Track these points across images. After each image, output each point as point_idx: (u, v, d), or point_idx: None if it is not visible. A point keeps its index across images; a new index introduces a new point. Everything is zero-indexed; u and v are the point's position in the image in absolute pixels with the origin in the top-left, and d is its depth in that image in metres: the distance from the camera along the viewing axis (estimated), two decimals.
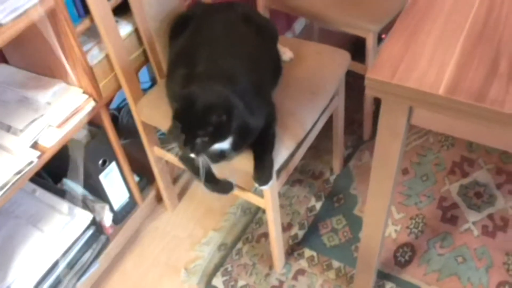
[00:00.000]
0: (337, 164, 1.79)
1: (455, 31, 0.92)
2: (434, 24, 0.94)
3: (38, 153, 1.22)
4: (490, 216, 1.60)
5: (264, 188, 1.25)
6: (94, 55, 1.32)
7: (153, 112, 1.39)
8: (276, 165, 1.23)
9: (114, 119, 1.78)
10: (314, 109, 1.33)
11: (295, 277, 1.54)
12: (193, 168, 1.23)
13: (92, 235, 1.46)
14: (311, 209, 1.71)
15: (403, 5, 1.63)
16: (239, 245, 1.64)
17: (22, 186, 1.21)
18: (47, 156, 1.24)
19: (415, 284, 1.47)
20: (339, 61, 1.44)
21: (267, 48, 1.37)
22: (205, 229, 1.70)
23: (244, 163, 1.22)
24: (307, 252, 1.59)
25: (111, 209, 1.55)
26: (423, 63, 0.87)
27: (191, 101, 1.06)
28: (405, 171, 1.76)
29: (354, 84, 1.50)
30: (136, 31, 1.40)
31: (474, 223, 1.59)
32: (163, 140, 1.62)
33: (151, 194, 1.72)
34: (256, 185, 1.22)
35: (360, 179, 1.78)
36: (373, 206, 1.15)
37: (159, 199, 1.76)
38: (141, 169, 1.69)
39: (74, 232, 1.41)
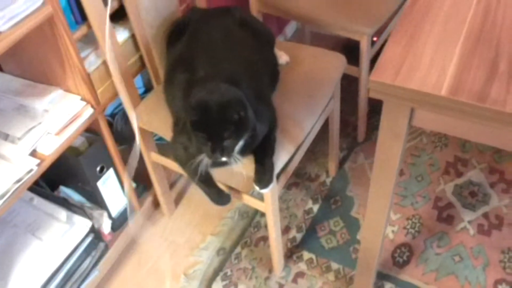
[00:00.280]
0: (332, 167, 1.81)
1: (454, 33, 0.94)
2: (433, 26, 0.96)
3: (37, 161, 1.21)
4: (485, 215, 1.63)
5: (265, 191, 1.25)
6: (92, 62, 1.32)
7: (151, 118, 1.39)
8: (277, 169, 1.24)
9: (109, 126, 1.77)
10: (312, 112, 1.34)
11: (294, 280, 1.54)
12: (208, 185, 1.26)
13: (91, 242, 1.45)
14: (308, 211, 1.72)
15: (395, 7, 1.66)
16: (238, 249, 1.64)
17: (21, 195, 1.20)
18: (46, 164, 1.23)
19: (413, 284, 1.49)
20: (335, 64, 1.45)
21: (265, 52, 1.38)
22: (203, 234, 1.70)
23: (244, 166, 1.23)
24: (306, 255, 1.60)
25: (109, 215, 1.54)
26: (424, 65, 0.88)
27: (206, 108, 1.05)
28: (400, 172, 1.78)
29: (347, 86, 1.52)
30: (133, 37, 1.40)
31: (469, 222, 1.62)
32: (160, 147, 1.63)
33: (148, 200, 1.72)
34: (257, 188, 1.23)
35: (355, 181, 1.79)
36: (374, 207, 1.16)
37: (156, 204, 1.76)
38: (138, 175, 1.68)
39: (73, 240, 1.41)
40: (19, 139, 1.23)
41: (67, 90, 1.33)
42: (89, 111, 1.33)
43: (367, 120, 1.91)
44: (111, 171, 1.50)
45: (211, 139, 1.05)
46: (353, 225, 1.66)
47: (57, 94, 1.32)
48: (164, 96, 1.34)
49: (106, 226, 1.53)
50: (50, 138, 1.26)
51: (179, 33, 1.38)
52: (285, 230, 1.67)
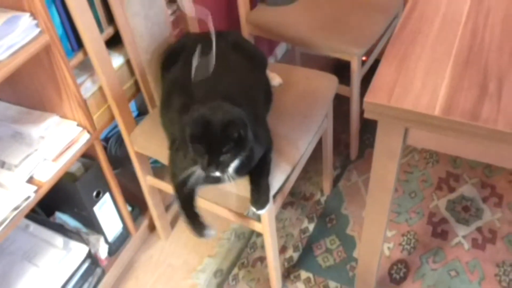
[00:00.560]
0: (327, 185, 1.82)
1: (443, 55, 0.97)
2: (423, 49, 0.99)
3: (34, 187, 1.21)
4: (479, 229, 1.65)
5: (261, 212, 1.26)
6: (88, 88, 1.33)
7: (147, 142, 1.40)
8: (273, 190, 1.25)
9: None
10: (307, 132, 1.36)
11: None
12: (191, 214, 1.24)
13: (88, 268, 1.45)
14: (304, 230, 1.73)
15: (384, 28, 1.70)
16: (235, 270, 1.64)
17: (19, 222, 1.20)
18: (43, 191, 1.23)
19: None
20: (327, 85, 1.48)
21: (258, 74, 1.41)
22: (200, 256, 1.70)
23: (240, 188, 1.24)
24: (303, 274, 1.60)
25: (106, 240, 1.54)
26: (417, 86, 0.91)
27: (208, 122, 1.06)
28: None
29: (338, 105, 1.54)
30: (128, 62, 1.42)
31: (464, 236, 1.64)
32: (156, 170, 1.63)
33: (144, 223, 1.72)
34: (254, 209, 1.24)
35: (350, 199, 1.81)
36: (370, 225, 1.18)
37: (151, 228, 1.76)
38: (133, 199, 1.69)
39: (70, 266, 1.40)
40: (16, 166, 1.23)
41: (63, 116, 1.34)
42: (86, 136, 1.34)
43: (359, 138, 1.94)
44: (107, 195, 1.50)
45: (208, 152, 1.06)
46: (349, 243, 1.67)
47: (53, 120, 1.32)
48: (161, 120, 1.36)
49: (103, 251, 1.52)
50: (47, 165, 1.26)
51: (173, 58, 1.40)
52: (282, 249, 1.68)
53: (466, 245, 1.61)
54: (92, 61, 1.27)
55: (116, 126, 1.80)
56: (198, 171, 1.12)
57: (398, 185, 1.82)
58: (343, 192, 1.84)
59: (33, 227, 1.46)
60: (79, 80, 1.30)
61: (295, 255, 1.66)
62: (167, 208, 1.82)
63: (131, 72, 1.44)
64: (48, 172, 1.25)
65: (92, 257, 1.46)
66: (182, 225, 1.80)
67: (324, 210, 1.78)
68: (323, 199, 1.82)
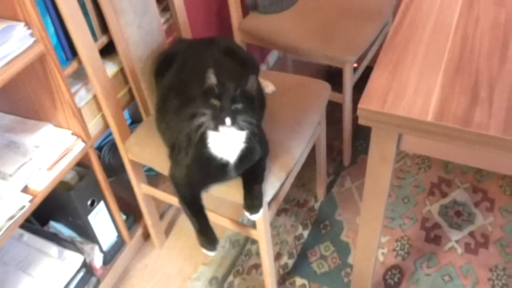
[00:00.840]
0: (320, 192, 1.83)
1: (435, 62, 0.98)
2: (415, 56, 1.00)
3: (29, 197, 1.21)
4: (471, 234, 1.67)
5: (255, 217, 1.26)
6: (82, 97, 1.33)
7: (142, 150, 1.40)
8: (268, 197, 1.26)
9: None
10: (301, 139, 1.37)
11: None
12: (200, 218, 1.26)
13: (83, 277, 1.44)
14: (298, 237, 1.73)
15: (375, 35, 1.72)
16: (230, 278, 1.64)
17: (14, 232, 1.19)
18: (38, 200, 1.23)
19: None
20: (320, 92, 1.49)
21: None
22: (194, 264, 1.70)
23: (233, 193, 1.25)
24: (298, 281, 1.61)
25: (101, 249, 1.53)
26: (409, 93, 0.92)
27: (223, 80, 1.10)
28: None
29: (330, 111, 1.56)
30: (121, 70, 1.43)
31: (457, 241, 1.65)
32: (150, 178, 1.64)
33: (139, 231, 1.72)
34: (247, 214, 1.24)
35: (344, 205, 1.82)
36: (365, 231, 1.19)
37: (146, 236, 1.75)
38: (127, 207, 1.69)
39: (65, 276, 1.39)
40: (10, 175, 1.23)
41: (58, 125, 1.34)
42: (80, 145, 1.34)
43: (351, 144, 1.95)
44: (101, 204, 1.50)
45: (221, 99, 1.08)
46: (343, 249, 1.67)
47: (47, 129, 1.32)
48: (157, 125, 1.37)
49: (97, 260, 1.52)
50: (42, 174, 1.26)
51: (167, 64, 1.41)
52: (277, 256, 1.68)
53: (459, 250, 1.63)
54: (87, 70, 1.28)
55: (109, 135, 1.80)
56: (207, 122, 1.11)
57: (391, 190, 1.83)
58: (337, 198, 1.85)
59: (27, 236, 1.45)
60: (73, 89, 1.31)
61: (290, 262, 1.66)
62: (162, 216, 1.82)
63: (125, 80, 1.45)
64: (42, 181, 1.25)
65: (87, 266, 1.45)
66: (177, 233, 1.80)
67: (318, 217, 1.79)
68: (317, 206, 1.83)
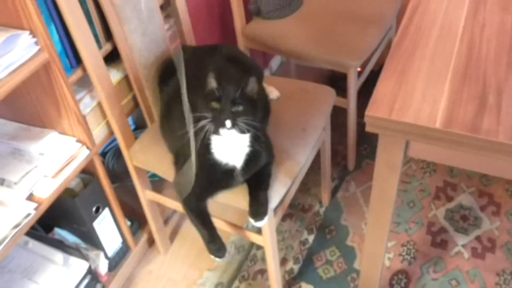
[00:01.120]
0: (325, 196, 1.83)
1: (442, 68, 0.98)
2: (421, 63, 1.00)
3: (34, 205, 1.21)
4: (478, 238, 1.66)
5: (260, 224, 1.26)
6: (87, 104, 1.33)
7: (147, 157, 1.40)
8: (274, 203, 1.25)
9: None
10: (306, 145, 1.36)
11: None
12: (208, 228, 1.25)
13: (88, 284, 1.44)
14: (304, 242, 1.73)
15: (379, 40, 1.71)
16: (236, 283, 1.64)
17: (19, 240, 1.19)
18: (43, 207, 1.23)
19: None
20: (325, 97, 1.49)
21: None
22: (200, 269, 1.70)
23: (238, 200, 1.24)
24: (304, 286, 1.60)
25: (106, 256, 1.53)
26: (417, 100, 0.92)
27: (219, 77, 1.11)
28: None
29: (333, 116, 1.56)
30: (126, 77, 1.42)
31: (463, 246, 1.64)
32: (154, 184, 1.63)
33: (143, 238, 1.71)
34: (252, 221, 1.24)
35: (349, 209, 1.81)
36: (372, 237, 1.18)
37: (151, 242, 1.75)
38: (131, 213, 1.68)
39: (71, 283, 1.39)
40: (15, 183, 1.23)
41: (62, 132, 1.34)
42: (85, 152, 1.33)
43: (356, 149, 1.94)
44: (106, 210, 1.49)
45: (221, 101, 1.08)
46: (349, 254, 1.67)
47: (52, 136, 1.32)
48: (161, 132, 1.36)
49: (103, 267, 1.51)
50: (47, 181, 1.26)
51: (171, 71, 1.40)
52: (282, 262, 1.67)
53: (466, 254, 1.62)
54: (91, 77, 1.28)
55: (113, 141, 1.80)
56: (207, 126, 1.10)
57: (397, 195, 1.82)
58: (342, 203, 1.84)
59: (32, 243, 1.45)
60: (78, 96, 1.31)
61: (296, 267, 1.66)
62: (166, 221, 1.82)
63: (129, 87, 1.45)
64: (48, 188, 1.25)
65: (92, 273, 1.45)
66: (181, 239, 1.80)
67: (323, 222, 1.78)
68: (322, 211, 1.82)
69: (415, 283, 1.56)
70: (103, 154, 1.87)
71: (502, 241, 1.64)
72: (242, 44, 1.87)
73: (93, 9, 1.26)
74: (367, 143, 2.04)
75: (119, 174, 1.79)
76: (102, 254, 1.51)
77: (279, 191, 1.26)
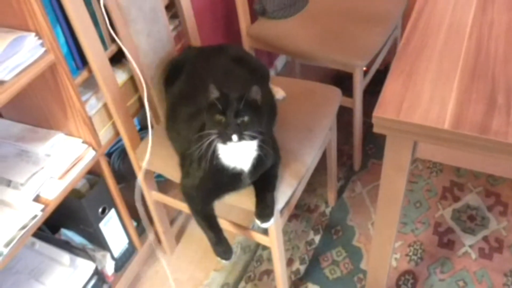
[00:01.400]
0: (331, 197, 1.82)
1: (450, 68, 0.97)
2: (429, 63, 0.99)
3: (41, 206, 1.21)
4: (485, 239, 1.65)
5: (266, 225, 1.26)
6: (92, 105, 1.33)
7: (153, 158, 1.40)
8: (281, 204, 1.25)
9: None
10: (312, 145, 1.36)
11: None
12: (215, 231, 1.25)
13: (95, 285, 1.44)
14: (310, 242, 1.72)
15: (385, 39, 1.70)
16: (242, 284, 1.63)
17: (26, 241, 1.19)
18: (50, 209, 1.23)
19: None
20: (331, 97, 1.48)
21: (262, 88, 1.41)
22: (206, 270, 1.69)
23: (244, 201, 1.24)
24: (311, 287, 1.60)
25: (112, 256, 1.53)
26: (425, 101, 0.91)
27: (227, 91, 1.09)
28: None
29: (339, 116, 1.55)
30: (131, 78, 1.42)
31: (470, 246, 1.63)
32: (160, 184, 1.63)
33: (149, 238, 1.71)
34: (258, 222, 1.23)
35: (355, 210, 1.81)
36: (380, 238, 1.18)
37: (157, 243, 1.75)
38: (137, 214, 1.68)
39: (77, 284, 1.39)
40: (22, 185, 1.23)
41: (69, 133, 1.34)
42: (91, 153, 1.33)
43: (361, 149, 1.94)
44: (112, 211, 1.49)
45: (226, 115, 1.06)
46: (355, 254, 1.66)
47: (58, 138, 1.32)
48: (167, 133, 1.36)
49: (109, 267, 1.51)
50: (53, 183, 1.26)
51: (176, 72, 1.40)
52: (288, 262, 1.67)
53: (473, 255, 1.61)
54: (97, 79, 1.28)
55: (118, 141, 1.80)
56: (215, 139, 1.10)
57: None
58: (348, 203, 1.83)
59: (39, 244, 1.45)
60: (84, 98, 1.31)
61: (302, 268, 1.65)
62: (172, 222, 1.82)
63: (135, 88, 1.45)
64: (54, 190, 1.25)
65: (99, 274, 1.45)
66: (187, 239, 1.80)
67: (329, 222, 1.78)
68: (328, 211, 1.82)
69: (422, 283, 1.56)
70: (109, 155, 1.87)
71: (510, 241, 1.63)
72: (247, 44, 1.86)
73: (99, 10, 1.25)
74: (373, 143, 2.03)
75: (124, 174, 1.79)
76: (108, 254, 1.51)
77: (285, 192, 1.25)
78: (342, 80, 1.79)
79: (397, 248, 1.66)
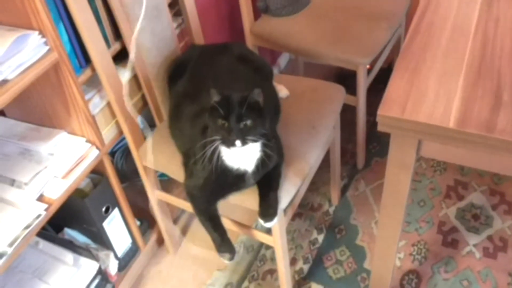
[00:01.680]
0: (335, 195, 1.82)
1: (455, 66, 0.96)
2: (434, 61, 0.98)
3: (45, 205, 1.21)
4: (490, 238, 1.64)
5: (269, 225, 1.25)
6: (96, 104, 1.33)
7: (156, 157, 1.39)
8: (284, 203, 1.24)
9: None
10: (316, 144, 1.35)
11: None
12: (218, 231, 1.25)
13: (98, 284, 1.44)
14: (313, 242, 1.72)
15: (389, 37, 1.70)
16: (245, 283, 1.63)
17: (30, 240, 1.19)
18: (54, 208, 1.23)
19: None
20: (335, 95, 1.48)
21: (265, 86, 1.40)
22: (209, 269, 1.69)
23: (248, 200, 1.24)
24: (314, 286, 1.59)
25: (115, 256, 1.53)
26: (430, 99, 0.91)
27: (227, 96, 1.08)
28: None
29: (342, 114, 1.54)
30: (135, 76, 1.42)
31: (475, 245, 1.62)
32: (163, 183, 1.63)
33: (153, 238, 1.71)
34: (262, 222, 1.23)
35: (358, 208, 1.80)
36: (384, 237, 1.17)
37: (160, 242, 1.75)
38: (140, 213, 1.68)
39: (81, 283, 1.39)
40: (25, 184, 1.23)
41: (72, 132, 1.33)
42: (95, 152, 1.33)
43: (365, 147, 1.93)
44: (116, 211, 1.49)
45: (228, 120, 1.06)
46: (359, 254, 1.66)
47: (61, 137, 1.32)
48: (170, 132, 1.36)
49: (113, 267, 1.51)
50: (57, 182, 1.26)
51: (180, 70, 1.40)
52: (292, 262, 1.67)
53: (478, 254, 1.60)
54: (100, 77, 1.28)
55: (122, 140, 1.80)
56: (219, 145, 1.10)
57: None
58: (351, 202, 1.83)
59: (43, 244, 1.45)
60: (87, 96, 1.30)
61: (305, 267, 1.65)
62: (175, 221, 1.82)
63: (138, 86, 1.44)
64: (58, 189, 1.24)
65: (102, 273, 1.45)
66: (191, 238, 1.80)
67: (332, 221, 1.77)
68: (331, 210, 1.81)
69: (426, 283, 1.55)
70: (112, 154, 1.87)
71: None
72: (250, 42, 1.86)
73: (102, 8, 1.25)
74: (376, 141, 2.03)
75: (128, 173, 1.79)
76: (112, 254, 1.51)
77: (289, 191, 1.25)
78: (345, 78, 1.79)
79: (400, 247, 1.65)
